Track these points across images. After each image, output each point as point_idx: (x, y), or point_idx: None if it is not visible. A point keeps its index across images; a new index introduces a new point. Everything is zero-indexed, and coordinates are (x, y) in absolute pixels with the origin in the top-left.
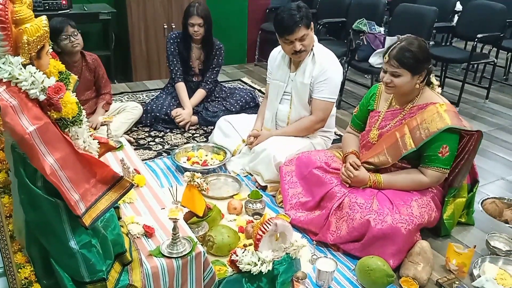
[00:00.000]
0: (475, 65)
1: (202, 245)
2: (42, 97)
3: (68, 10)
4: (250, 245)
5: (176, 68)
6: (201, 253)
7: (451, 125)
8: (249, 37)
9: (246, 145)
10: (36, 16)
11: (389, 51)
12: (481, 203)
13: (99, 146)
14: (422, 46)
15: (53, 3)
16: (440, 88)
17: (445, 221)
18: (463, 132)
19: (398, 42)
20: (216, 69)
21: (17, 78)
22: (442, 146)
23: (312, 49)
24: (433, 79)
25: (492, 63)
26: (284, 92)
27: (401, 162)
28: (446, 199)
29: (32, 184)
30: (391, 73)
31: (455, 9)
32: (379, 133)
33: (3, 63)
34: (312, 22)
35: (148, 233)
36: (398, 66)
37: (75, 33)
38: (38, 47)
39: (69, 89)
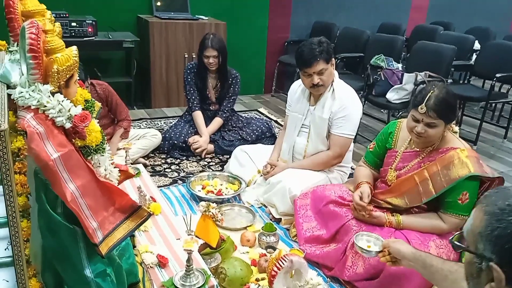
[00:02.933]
0: (493, 104)
1: (214, 277)
2: (68, 125)
3: (94, 38)
4: (262, 279)
5: (193, 97)
6: (214, 286)
7: (473, 173)
8: (267, 68)
9: (261, 175)
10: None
11: (425, 101)
12: None
13: (119, 174)
14: (454, 95)
15: (80, 30)
16: (457, 127)
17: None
18: (485, 178)
19: (431, 91)
20: (232, 98)
21: (45, 106)
22: (462, 193)
23: (332, 84)
24: None
25: (511, 102)
26: (302, 125)
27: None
28: None
29: (52, 210)
30: (427, 124)
31: (474, 48)
32: (396, 175)
33: (33, 91)
34: (333, 58)
35: (162, 263)
36: (436, 117)
37: (87, 85)
38: (67, 76)
39: (94, 117)
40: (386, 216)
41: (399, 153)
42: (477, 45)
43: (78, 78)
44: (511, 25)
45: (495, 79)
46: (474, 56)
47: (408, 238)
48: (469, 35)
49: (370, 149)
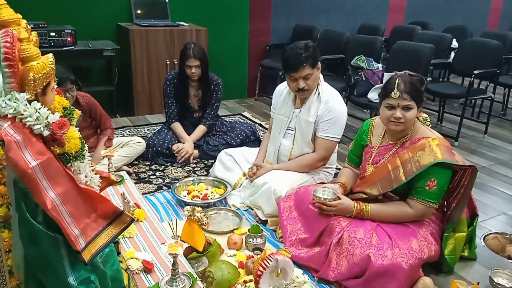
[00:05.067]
0: (473, 101)
1: (201, 281)
2: (46, 133)
3: (73, 47)
4: (250, 281)
5: (171, 110)
6: None
7: (441, 160)
8: (249, 72)
9: (246, 178)
10: (41, 53)
11: (396, 86)
12: (483, 238)
13: (100, 180)
14: (419, 79)
15: (59, 40)
16: (426, 115)
17: (446, 257)
18: (457, 167)
19: (397, 78)
20: (215, 105)
21: (22, 114)
22: (430, 179)
23: (317, 88)
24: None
25: (490, 98)
26: (288, 127)
27: (391, 196)
28: (445, 234)
29: (33, 218)
30: (403, 108)
31: (451, 46)
32: (373, 168)
33: (9, 99)
34: (319, 62)
35: (147, 268)
36: (411, 99)
37: (73, 89)
38: (44, 84)
39: (73, 124)
40: (356, 204)
41: (375, 148)
42: (454, 43)
43: (56, 85)
44: (488, 22)
45: (473, 75)
46: (452, 54)
47: (389, 233)
48: (447, 34)
49: (350, 149)
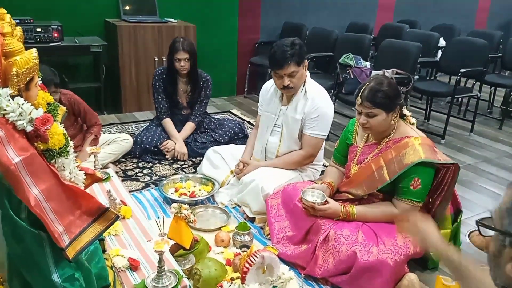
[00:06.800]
0: (459, 99)
1: (188, 278)
2: (29, 128)
3: (60, 43)
4: (237, 278)
5: (161, 106)
6: (187, 286)
7: (424, 159)
8: (239, 70)
9: (234, 176)
10: (27, 49)
11: (360, 93)
12: (468, 235)
13: (85, 177)
14: (391, 84)
15: (45, 35)
16: (414, 119)
17: (431, 253)
18: (439, 165)
19: (367, 83)
20: (204, 101)
21: (5, 110)
22: (414, 179)
23: (304, 85)
24: (406, 111)
25: (476, 96)
26: (275, 124)
27: (377, 195)
28: None
29: (16, 215)
30: (366, 114)
31: (439, 44)
32: (358, 167)
33: None
34: (305, 60)
35: (133, 266)
36: (372, 106)
37: (56, 92)
38: (27, 79)
39: (57, 120)
40: (342, 207)
41: (360, 147)
42: (442, 42)
43: (40, 80)
44: (475, 20)
45: (460, 74)
46: (440, 53)
47: (375, 230)
48: (434, 33)
49: (336, 147)
